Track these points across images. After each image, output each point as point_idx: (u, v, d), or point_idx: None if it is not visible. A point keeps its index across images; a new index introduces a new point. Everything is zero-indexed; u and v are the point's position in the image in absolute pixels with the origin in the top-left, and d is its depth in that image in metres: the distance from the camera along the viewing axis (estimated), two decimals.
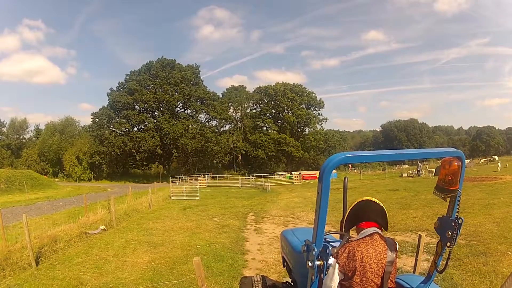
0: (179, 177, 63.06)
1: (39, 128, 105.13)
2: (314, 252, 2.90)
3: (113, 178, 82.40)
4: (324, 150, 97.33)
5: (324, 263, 3.07)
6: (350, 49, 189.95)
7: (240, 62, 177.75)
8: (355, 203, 3.43)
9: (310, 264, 2.96)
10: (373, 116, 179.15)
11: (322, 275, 3.15)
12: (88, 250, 12.56)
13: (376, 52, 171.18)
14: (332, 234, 4.33)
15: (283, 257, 5.35)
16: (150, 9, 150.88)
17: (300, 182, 56.10)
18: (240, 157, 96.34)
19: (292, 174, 68.24)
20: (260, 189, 43.53)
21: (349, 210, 3.44)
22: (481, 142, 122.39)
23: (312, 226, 2.95)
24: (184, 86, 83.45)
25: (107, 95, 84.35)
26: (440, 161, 3.11)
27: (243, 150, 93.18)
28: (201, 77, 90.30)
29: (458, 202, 3.09)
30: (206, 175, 65.85)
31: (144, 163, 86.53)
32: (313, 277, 3.08)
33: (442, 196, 3.04)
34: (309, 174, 66.36)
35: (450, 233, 3.04)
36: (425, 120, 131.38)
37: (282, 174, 72.80)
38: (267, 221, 17.98)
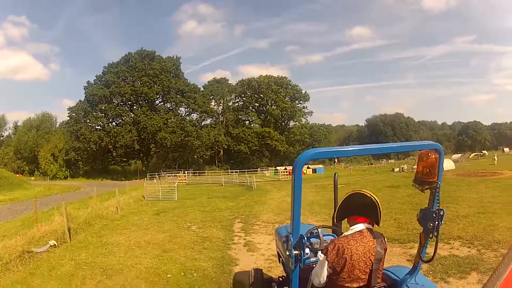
0: (158, 174, 60.41)
1: (18, 125, 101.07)
2: (291, 242, 3.07)
3: (90, 176, 78.50)
4: (309, 144, 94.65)
5: (301, 252, 3.11)
6: (335, 44, 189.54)
7: (223, 57, 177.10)
8: (347, 194, 3.45)
9: (288, 253, 3.14)
10: (356, 110, 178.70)
11: (300, 264, 3.20)
12: (25, 280, 9.17)
13: (361, 48, 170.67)
14: (324, 229, 4.37)
15: (278, 252, 5.46)
16: (134, 4, 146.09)
17: (287, 178, 53.19)
18: (222, 152, 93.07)
19: (277, 169, 65.66)
20: (245, 187, 40.13)
21: (341, 202, 3.46)
22: (467, 137, 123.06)
23: (308, 223, 3.73)
24: (163, 78, 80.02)
25: (84, 88, 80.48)
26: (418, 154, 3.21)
27: (225, 144, 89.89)
28: (184, 72, 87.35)
29: (438, 194, 3.17)
30: (187, 172, 62.28)
31: (123, 159, 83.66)
32: (292, 265, 3.19)
33: (420, 188, 3.20)
34: None
35: (431, 224, 3.15)
36: (406, 116, 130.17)
37: (267, 170, 70.65)
38: (259, 231, 14.36)
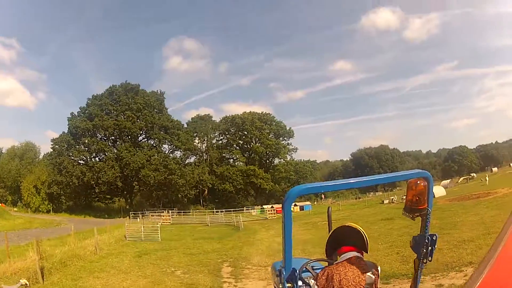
0: (142, 213, 58.35)
1: (2, 152, 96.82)
2: (283, 276, 3.09)
3: (73, 211, 75.00)
4: (295, 182, 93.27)
5: (294, 285, 3.15)
6: (317, 80, 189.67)
7: (207, 95, 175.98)
8: (333, 229, 3.60)
9: (281, 286, 3.16)
10: (339, 146, 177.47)
11: None
12: None
13: (343, 83, 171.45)
14: (320, 262, 4.26)
15: (274, 287, 5.07)
16: (122, 38, 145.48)
17: (274, 217, 51.80)
18: (206, 191, 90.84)
19: (264, 208, 64.26)
20: (232, 227, 38.80)
21: (328, 237, 3.61)
22: (453, 163, 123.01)
23: (306, 257, 3.79)
24: (147, 113, 78.74)
25: (67, 120, 78.27)
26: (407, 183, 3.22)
27: (210, 183, 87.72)
28: (168, 109, 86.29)
29: (429, 220, 3.19)
30: (171, 211, 60.43)
31: (107, 196, 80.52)
32: None
33: (411, 216, 3.21)
34: None
35: (424, 250, 3.19)
36: (391, 147, 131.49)
37: (253, 208, 68.99)
38: (250, 276, 13.13)
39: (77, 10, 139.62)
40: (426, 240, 3.16)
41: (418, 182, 3.09)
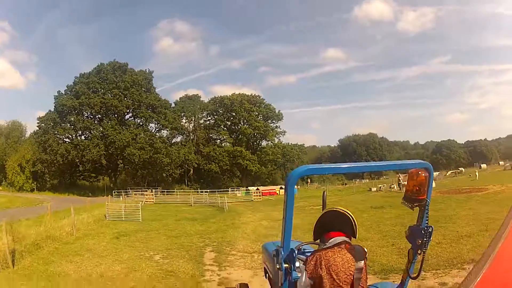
0: (125, 192, 57.35)
1: None
2: (281, 256, 3.10)
3: (57, 190, 74.08)
4: (281, 165, 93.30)
5: (291, 265, 3.15)
6: (308, 66, 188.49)
7: (197, 76, 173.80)
8: (321, 213, 3.56)
9: (278, 266, 3.15)
10: (327, 132, 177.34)
11: (290, 277, 3.23)
12: None
13: (334, 70, 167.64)
14: (309, 245, 4.28)
15: (264, 268, 5.36)
16: (113, 18, 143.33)
17: (260, 198, 51.10)
18: (192, 170, 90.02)
19: (249, 189, 63.65)
20: (216, 208, 37.86)
21: (316, 221, 3.53)
22: (441, 156, 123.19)
23: (295, 239, 3.59)
24: (134, 91, 77.02)
25: (54, 98, 76.42)
26: (408, 172, 3.25)
27: (195, 163, 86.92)
28: (155, 88, 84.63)
29: (427, 211, 3.25)
30: (155, 190, 59.45)
31: (92, 174, 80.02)
32: (281, 280, 3.21)
33: (410, 205, 3.22)
34: (268, 190, 62.02)
35: (420, 241, 3.19)
36: (380, 136, 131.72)
37: (238, 190, 68.21)
38: (235, 263, 12.22)
39: None
40: (423, 232, 3.19)
41: (420, 172, 3.12)
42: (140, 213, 27.11)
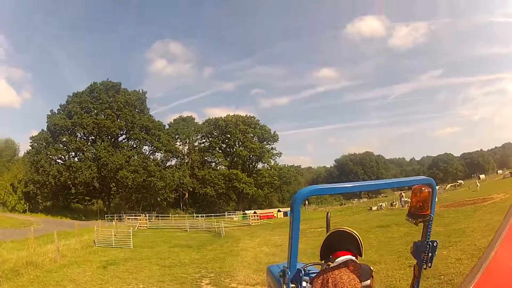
0: (119, 216, 56.51)
1: None
2: (288, 276, 3.07)
3: (50, 212, 71.56)
4: (278, 187, 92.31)
5: (297, 285, 3.17)
6: (301, 88, 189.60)
7: (191, 99, 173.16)
8: (328, 234, 3.61)
9: (285, 286, 3.12)
10: (322, 153, 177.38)
11: None
12: None
13: (327, 90, 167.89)
14: (315, 265, 4.33)
15: None
16: (107, 38, 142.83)
17: (258, 222, 49.59)
18: (187, 194, 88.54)
19: (246, 213, 62.24)
20: (212, 233, 36.45)
21: (323, 242, 3.56)
22: (438, 170, 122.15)
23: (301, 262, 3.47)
24: (127, 111, 76.12)
25: (47, 117, 74.91)
26: (411, 189, 3.34)
27: (190, 187, 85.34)
28: (149, 108, 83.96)
29: (431, 226, 3.31)
30: (148, 215, 57.85)
31: (86, 197, 77.61)
32: None
33: (414, 221, 3.33)
34: (266, 213, 60.48)
35: (425, 256, 3.29)
36: (379, 154, 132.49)
37: (234, 214, 66.87)
38: None
39: (65, 9, 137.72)
40: (427, 246, 3.26)
41: (423, 188, 3.21)
42: (131, 239, 25.52)
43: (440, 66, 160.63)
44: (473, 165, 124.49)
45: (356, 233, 3.41)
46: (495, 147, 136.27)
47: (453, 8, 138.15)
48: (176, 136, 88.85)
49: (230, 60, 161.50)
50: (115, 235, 27.00)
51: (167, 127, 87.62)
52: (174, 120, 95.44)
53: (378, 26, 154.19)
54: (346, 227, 3.50)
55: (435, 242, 3.26)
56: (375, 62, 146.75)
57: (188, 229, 41.98)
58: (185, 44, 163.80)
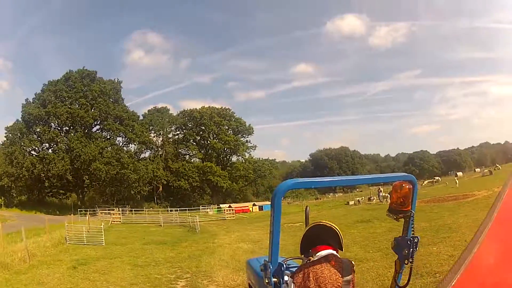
0: (93, 210, 55.38)
1: None
2: (270, 270, 3.08)
3: (25, 207, 68.64)
4: (253, 180, 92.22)
5: (280, 279, 3.18)
6: (278, 82, 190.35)
7: (167, 91, 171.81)
8: (307, 228, 3.57)
9: (267, 281, 3.13)
10: (297, 147, 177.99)
11: None
12: None
13: (304, 85, 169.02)
14: (295, 260, 4.33)
15: (249, 284, 5.54)
16: (87, 29, 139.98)
17: (233, 216, 49.06)
18: (161, 187, 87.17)
19: (221, 207, 61.61)
20: (187, 228, 35.63)
21: (302, 236, 3.55)
22: (414, 166, 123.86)
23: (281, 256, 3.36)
24: (101, 101, 74.49)
25: (22, 107, 72.69)
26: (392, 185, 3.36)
27: (164, 179, 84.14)
28: (125, 101, 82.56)
29: (412, 222, 3.36)
30: (122, 209, 56.62)
31: (60, 191, 75.45)
32: None
33: (395, 217, 3.34)
34: (241, 207, 60.02)
35: (406, 251, 3.31)
36: (354, 149, 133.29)
37: (209, 207, 66.01)
38: None
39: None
40: (408, 242, 3.28)
41: (403, 185, 3.20)
42: (103, 235, 24.61)
43: (419, 66, 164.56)
44: (450, 162, 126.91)
45: (336, 227, 3.41)
46: (472, 146, 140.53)
47: (435, 11, 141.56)
48: (150, 128, 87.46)
49: (207, 52, 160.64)
50: (87, 231, 26.13)
51: (141, 117, 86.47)
52: (148, 111, 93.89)
53: (358, 24, 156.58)
54: (325, 221, 3.49)
55: (416, 238, 3.29)
56: (354, 60, 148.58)
57: (162, 224, 41.25)
58: (163, 35, 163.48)
